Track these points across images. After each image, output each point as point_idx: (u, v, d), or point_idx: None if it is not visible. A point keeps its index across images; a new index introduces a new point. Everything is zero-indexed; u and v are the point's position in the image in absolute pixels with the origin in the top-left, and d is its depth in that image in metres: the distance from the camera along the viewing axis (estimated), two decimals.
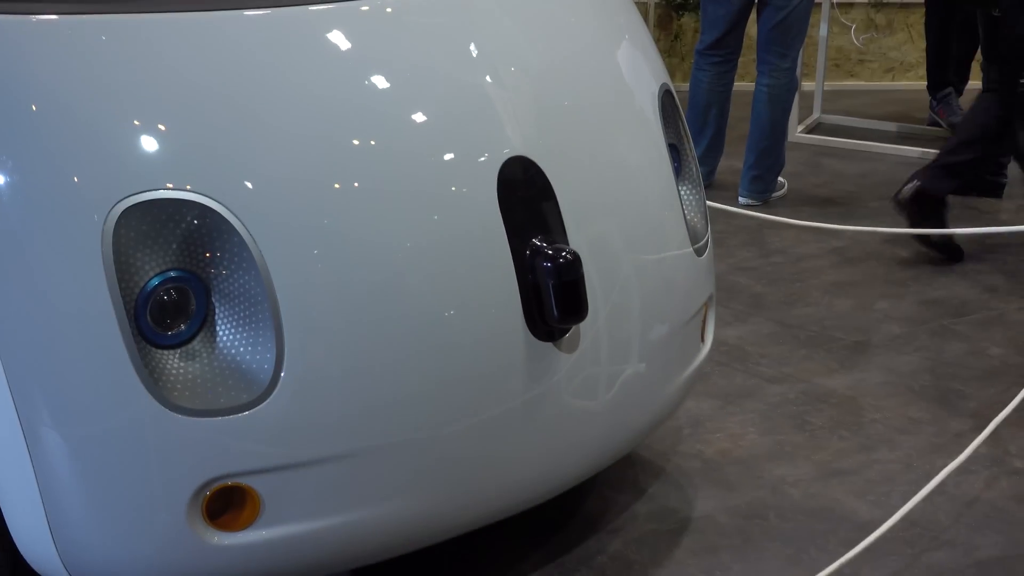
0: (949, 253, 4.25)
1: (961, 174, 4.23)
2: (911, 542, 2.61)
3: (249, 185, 1.94)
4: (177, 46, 1.99)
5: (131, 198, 1.86)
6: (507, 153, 2.16)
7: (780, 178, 5.01)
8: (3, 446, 1.90)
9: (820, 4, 5.78)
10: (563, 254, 2.13)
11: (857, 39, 6.85)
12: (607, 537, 2.61)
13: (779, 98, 4.83)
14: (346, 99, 2.07)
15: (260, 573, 2.00)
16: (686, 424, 3.09)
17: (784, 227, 4.41)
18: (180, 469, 1.90)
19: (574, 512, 2.69)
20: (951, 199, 4.91)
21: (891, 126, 6.08)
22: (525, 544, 2.57)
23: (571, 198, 2.22)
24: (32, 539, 1.95)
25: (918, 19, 6.58)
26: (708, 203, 2.72)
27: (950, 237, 4.22)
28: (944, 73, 5.93)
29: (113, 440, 1.88)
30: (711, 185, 4.94)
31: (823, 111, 6.21)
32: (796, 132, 5.79)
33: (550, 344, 2.17)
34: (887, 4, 6.96)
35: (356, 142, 2.04)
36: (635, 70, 2.57)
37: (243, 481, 1.93)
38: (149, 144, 1.91)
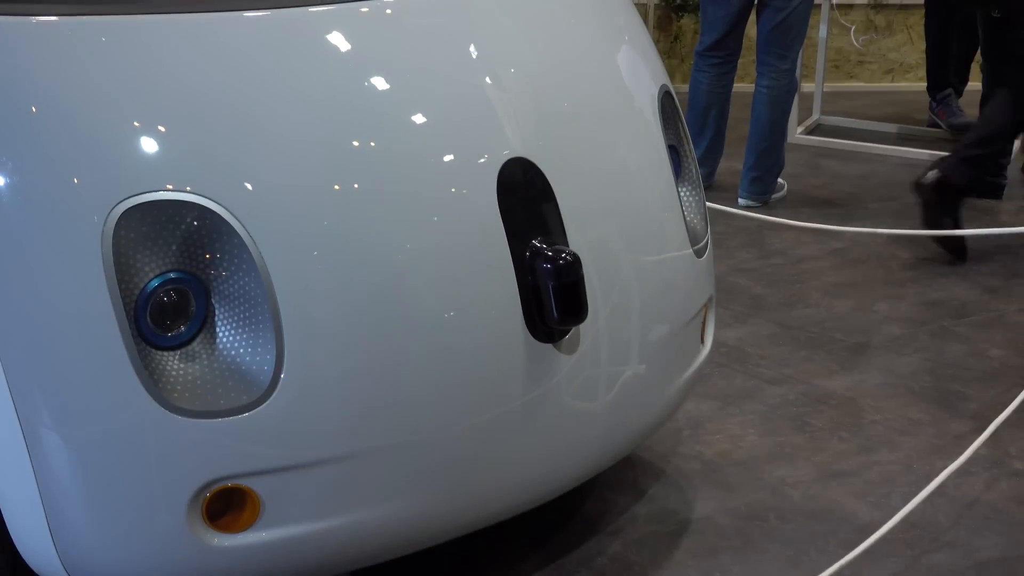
0: (955, 252, 4.26)
1: (981, 166, 4.29)
2: (911, 544, 2.61)
3: (249, 186, 1.93)
4: (177, 47, 1.99)
5: (131, 199, 1.86)
6: (507, 155, 2.16)
7: (780, 179, 5.01)
8: (3, 447, 1.90)
9: (820, 5, 5.77)
10: (563, 256, 2.13)
11: (857, 40, 6.85)
12: (607, 538, 2.61)
13: (779, 99, 4.83)
14: (346, 101, 2.07)
15: (260, 575, 2.00)
16: (686, 425, 3.09)
17: (784, 228, 4.41)
18: (180, 470, 1.90)
19: (574, 513, 2.69)
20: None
21: (891, 127, 6.08)
22: (525, 545, 2.57)
23: (571, 200, 2.22)
24: (32, 540, 1.95)
25: (918, 20, 6.58)
26: (708, 204, 2.72)
27: (952, 215, 4.23)
28: (944, 74, 5.93)
29: (113, 441, 1.88)
30: (711, 186, 4.94)
31: (823, 112, 6.21)
32: (796, 133, 5.79)
33: (550, 345, 2.17)
34: (887, 5, 6.96)
35: (356, 144, 2.04)
36: (635, 71, 2.57)
37: (243, 482, 1.93)
38: (149, 145, 1.91)
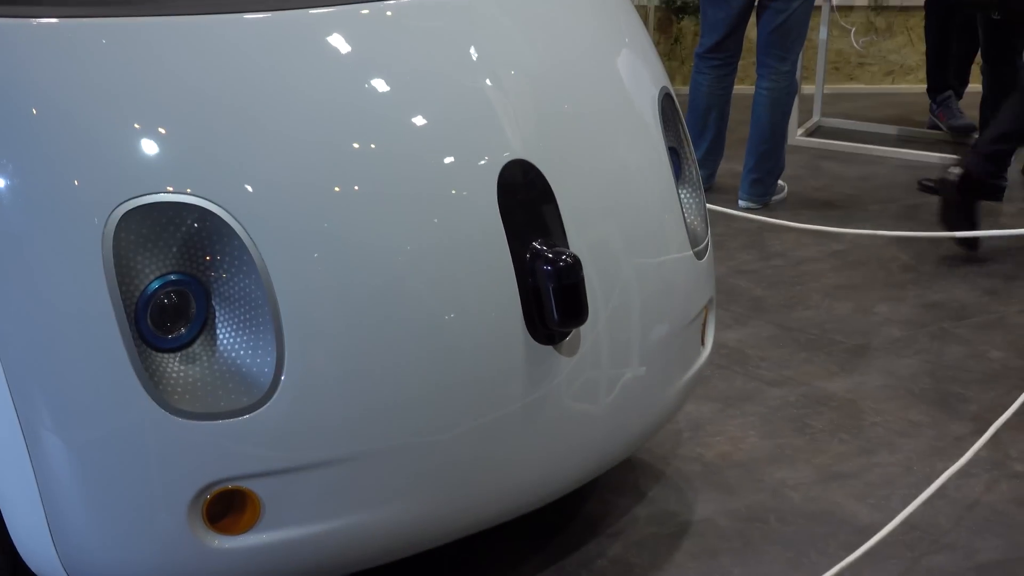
0: (972, 247, 4.29)
1: (1003, 161, 4.32)
2: (911, 545, 2.61)
3: (249, 188, 1.94)
4: (177, 49, 1.99)
5: (131, 201, 1.86)
6: (507, 157, 2.16)
7: (780, 181, 5.01)
8: (3, 449, 1.90)
9: (820, 7, 5.78)
10: (563, 257, 2.13)
11: (857, 42, 6.85)
12: (607, 540, 2.61)
13: (779, 101, 4.83)
14: (346, 102, 2.07)
15: None
16: (686, 427, 3.09)
17: (784, 230, 4.41)
18: (180, 472, 1.90)
19: (574, 515, 2.68)
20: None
21: (891, 129, 6.08)
22: (525, 547, 2.57)
23: (571, 201, 2.22)
24: (32, 542, 1.95)
25: (918, 22, 6.58)
26: (708, 206, 2.72)
27: (970, 213, 4.25)
28: (944, 76, 5.94)
29: (113, 443, 1.88)
30: (711, 188, 4.94)
31: (823, 114, 6.21)
32: (796, 135, 5.79)
33: (550, 347, 2.17)
34: (887, 7, 6.96)
35: (356, 145, 2.04)
36: (635, 73, 2.57)
37: (243, 484, 1.93)
38: (149, 147, 1.91)
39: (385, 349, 2.00)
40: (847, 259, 4.33)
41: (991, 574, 2.53)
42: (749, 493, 2.81)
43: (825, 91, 6.27)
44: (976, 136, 5.31)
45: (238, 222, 1.90)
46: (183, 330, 1.91)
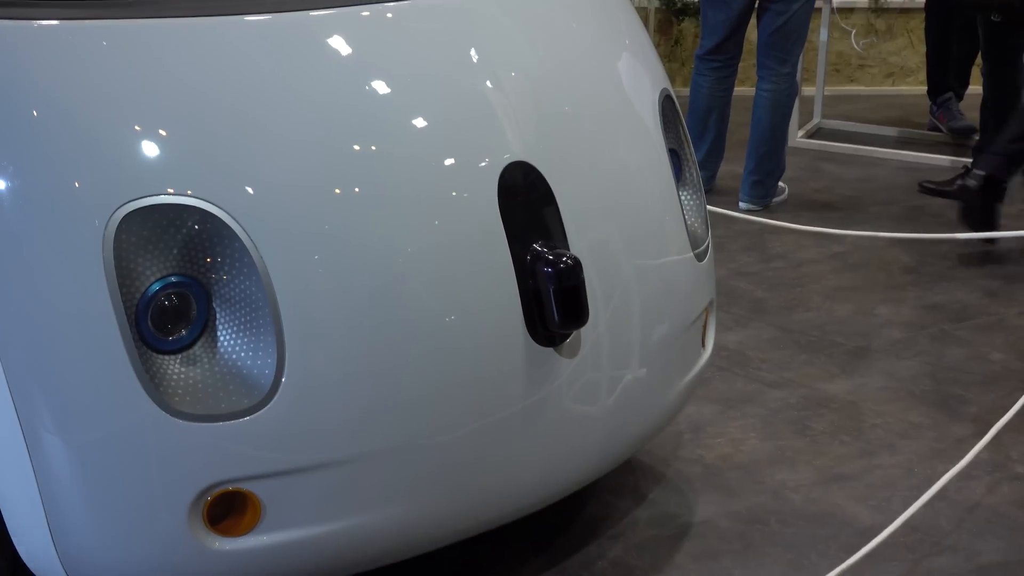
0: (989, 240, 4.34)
1: (1021, 161, 4.34)
2: (912, 547, 2.61)
3: (250, 190, 1.94)
4: (178, 51, 1.99)
5: (132, 203, 1.86)
6: (508, 158, 2.16)
7: (780, 183, 5.01)
8: (4, 450, 1.90)
9: (820, 9, 5.78)
10: (564, 259, 2.13)
11: (857, 44, 6.86)
12: (608, 542, 2.61)
13: (779, 103, 4.83)
14: (347, 104, 2.07)
15: None
16: (687, 429, 3.09)
17: (785, 232, 4.41)
18: (181, 474, 1.90)
19: (575, 517, 2.68)
20: (953, 204, 4.93)
21: (891, 131, 6.09)
22: (526, 549, 2.57)
23: (572, 203, 2.22)
24: (33, 543, 1.95)
25: (918, 24, 6.58)
26: (708, 208, 2.72)
27: (991, 215, 4.26)
28: (944, 78, 5.94)
29: (114, 445, 1.88)
30: (711, 190, 4.94)
31: (823, 116, 6.22)
32: (796, 137, 5.79)
33: (551, 349, 2.17)
34: (887, 9, 6.97)
35: (357, 147, 2.04)
36: (635, 75, 2.57)
37: (244, 486, 1.93)
38: (150, 149, 1.91)
39: (386, 351, 2.00)
40: (847, 261, 4.33)
41: None
42: (750, 495, 2.81)
43: (825, 93, 6.27)
44: (976, 138, 5.31)
45: (239, 224, 1.90)
46: (184, 332, 1.91)
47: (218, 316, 1.92)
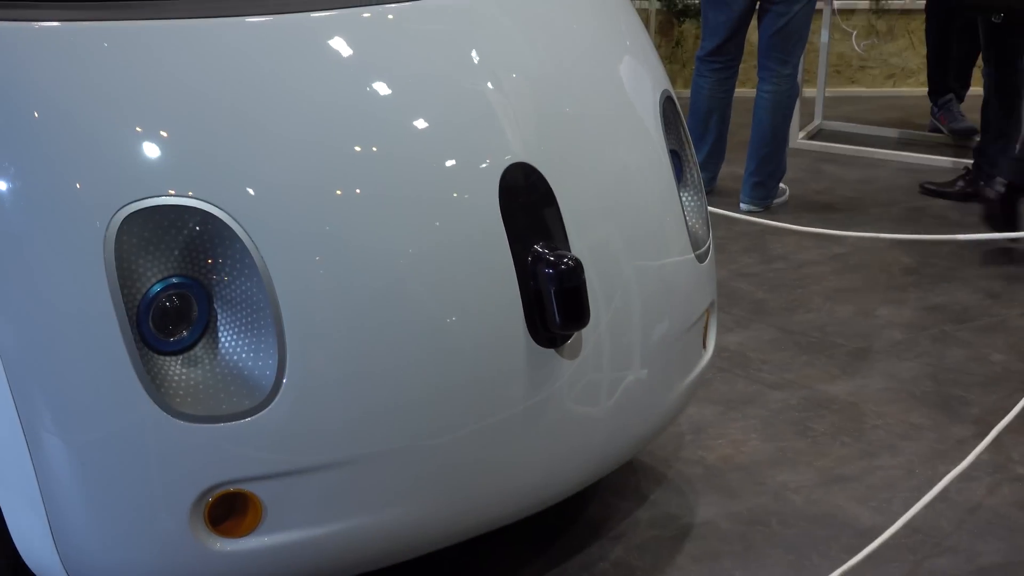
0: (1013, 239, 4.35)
1: None
2: (913, 549, 2.60)
3: (251, 191, 1.94)
4: (179, 53, 1.99)
5: (133, 204, 1.86)
6: (508, 159, 2.16)
7: (781, 184, 5.01)
8: (5, 451, 1.90)
9: (821, 10, 5.78)
10: (565, 260, 2.13)
11: (858, 45, 6.86)
12: (609, 543, 2.61)
13: (780, 104, 4.83)
14: (348, 106, 2.07)
15: None
16: (688, 430, 3.09)
17: (785, 233, 4.41)
18: (182, 475, 1.90)
19: (576, 518, 2.68)
20: (954, 205, 4.94)
21: (892, 132, 6.09)
22: (527, 550, 2.57)
23: (573, 204, 2.22)
24: (34, 543, 1.95)
25: (919, 25, 6.59)
26: (709, 209, 2.72)
27: (1013, 211, 4.27)
28: (945, 79, 5.94)
29: (115, 446, 1.88)
30: (712, 191, 4.94)
31: (824, 117, 6.22)
32: (797, 138, 5.80)
33: (552, 350, 2.17)
34: (888, 10, 6.97)
35: (358, 148, 2.04)
36: (636, 76, 2.57)
37: (245, 487, 1.93)
38: (151, 151, 1.91)
39: (387, 352, 2.00)
40: (848, 262, 4.33)
41: None
42: (751, 496, 2.81)
43: (826, 94, 6.27)
44: (977, 139, 5.31)
45: (240, 225, 1.90)
46: (185, 333, 1.91)
47: (219, 317, 1.92)
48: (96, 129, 1.90)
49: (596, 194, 2.30)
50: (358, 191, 2.02)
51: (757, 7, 4.76)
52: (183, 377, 1.89)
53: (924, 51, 6.20)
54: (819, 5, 5.35)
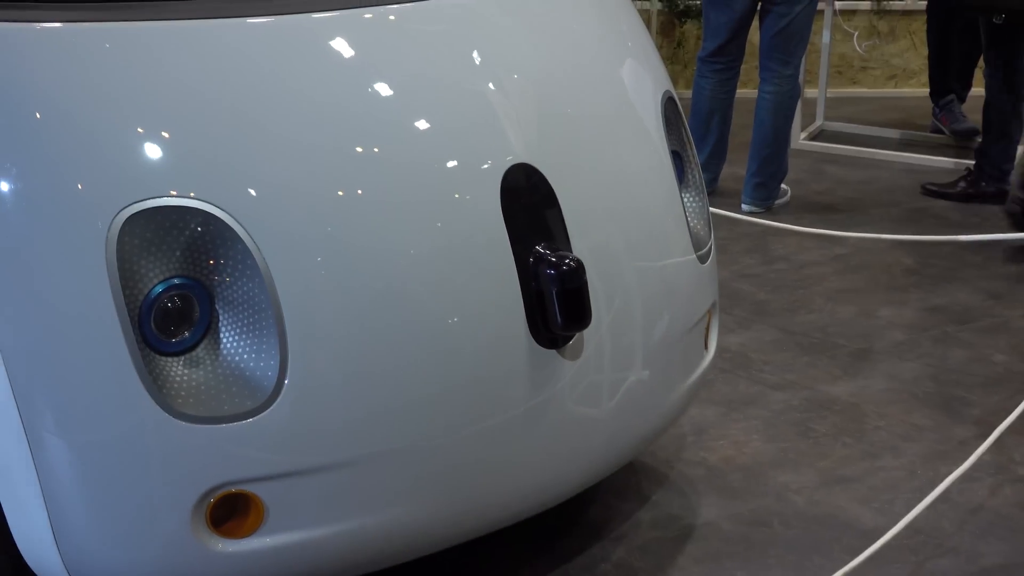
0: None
1: None
2: (915, 550, 2.60)
3: (253, 192, 1.94)
4: (180, 54, 1.99)
5: (135, 205, 1.86)
6: (510, 160, 2.16)
7: (783, 185, 5.01)
8: (7, 451, 1.90)
9: (823, 11, 5.78)
10: (566, 261, 2.13)
11: (860, 46, 6.86)
12: (610, 544, 2.61)
13: (782, 105, 4.83)
14: (349, 107, 2.07)
15: None
16: (690, 431, 3.09)
17: (787, 234, 4.41)
18: (184, 476, 1.90)
19: (577, 519, 2.68)
20: (956, 206, 4.94)
21: (894, 133, 6.08)
22: (528, 551, 2.57)
23: (574, 205, 2.22)
24: (35, 544, 1.95)
25: (920, 26, 6.58)
26: (711, 210, 2.72)
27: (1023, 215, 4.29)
28: (946, 80, 5.93)
29: (117, 446, 1.88)
30: (714, 192, 4.94)
31: (826, 118, 6.21)
32: (799, 139, 5.79)
33: (553, 351, 2.17)
34: (890, 11, 6.97)
35: (359, 149, 2.04)
36: (638, 77, 2.57)
37: (247, 488, 1.93)
38: (152, 151, 1.91)
39: (388, 353, 2.00)
40: (850, 263, 4.33)
41: None
42: (753, 497, 2.81)
43: (828, 95, 6.27)
44: (979, 140, 5.30)
45: (241, 226, 1.90)
46: (187, 334, 1.91)
47: (221, 318, 1.92)
48: (98, 130, 1.90)
49: (598, 195, 2.30)
50: (360, 192, 2.02)
51: (759, 8, 4.76)
52: (185, 378, 1.89)
53: (925, 52, 6.20)
54: (821, 6, 5.35)
